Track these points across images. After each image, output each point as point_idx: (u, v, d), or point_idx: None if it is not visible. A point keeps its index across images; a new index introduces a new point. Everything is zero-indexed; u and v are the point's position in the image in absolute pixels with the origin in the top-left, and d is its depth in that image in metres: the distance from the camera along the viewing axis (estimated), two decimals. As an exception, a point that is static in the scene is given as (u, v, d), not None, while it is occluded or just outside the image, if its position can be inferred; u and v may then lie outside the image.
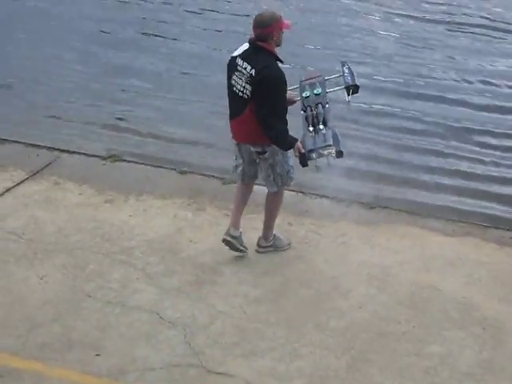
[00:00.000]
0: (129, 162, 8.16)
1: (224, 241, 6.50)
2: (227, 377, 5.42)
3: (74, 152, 8.29)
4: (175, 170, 7.96)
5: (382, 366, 5.50)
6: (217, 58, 10.33)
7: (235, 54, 6.16)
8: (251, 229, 6.78)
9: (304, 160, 6.00)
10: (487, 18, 13.01)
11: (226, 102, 6.40)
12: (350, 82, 6.34)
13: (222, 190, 7.47)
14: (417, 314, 5.98)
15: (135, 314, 5.94)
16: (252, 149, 6.26)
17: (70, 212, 7.19)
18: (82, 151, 8.33)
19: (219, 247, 6.67)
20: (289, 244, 6.71)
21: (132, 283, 6.26)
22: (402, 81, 10.70)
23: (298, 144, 6.02)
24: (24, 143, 8.47)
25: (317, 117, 6.14)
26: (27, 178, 7.71)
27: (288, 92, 6.30)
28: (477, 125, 9.53)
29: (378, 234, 6.94)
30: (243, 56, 6.08)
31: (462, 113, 9.82)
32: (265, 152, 6.21)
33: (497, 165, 8.70)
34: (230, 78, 6.18)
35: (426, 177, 8.42)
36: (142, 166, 8.07)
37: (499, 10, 13.37)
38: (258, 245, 6.66)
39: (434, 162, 8.70)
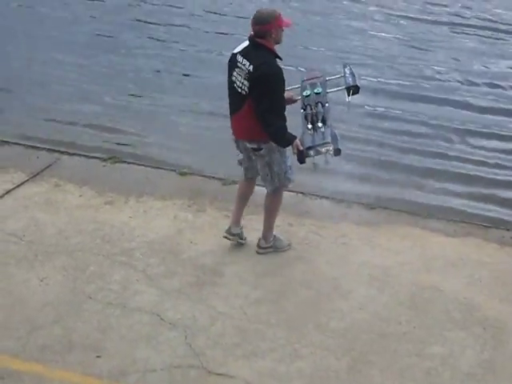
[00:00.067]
0: (129, 163, 8.17)
1: (224, 237, 6.64)
2: (228, 378, 5.40)
3: (74, 154, 8.30)
4: (175, 171, 7.96)
5: (383, 367, 5.49)
6: (217, 60, 10.34)
7: (236, 50, 6.20)
8: (251, 230, 6.78)
9: (302, 157, 6.01)
10: (490, 20, 13.07)
11: (226, 103, 6.40)
12: (351, 83, 6.34)
13: (223, 191, 7.47)
14: (418, 314, 5.98)
15: (136, 315, 5.93)
16: (248, 145, 6.27)
17: (70, 214, 7.19)
18: (82, 153, 8.34)
19: (220, 248, 6.69)
20: (289, 245, 6.71)
21: (132, 285, 6.25)
22: (405, 83, 10.75)
23: (297, 141, 6.03)
24: (24, 145, 8.49)
25: (316, 115, 6.16)
26: (27, 180, 7.71)
27: (288, 91, 6.34)
28: (480, 127, 9.53)
29: (378, 234, 6.94)
30: (243, 53, 6.11)
31: (466, 115, 9.83)
32: (260, 149, 6.22)
33: (501, 167, 8.70)
34: (230, 74, 6.21)
35: (429, 179, 8.43)
36: (142, 167, 8.07)
37: (500, 11, 13.42)
38: (258, 246, 6.65)
39: (439, 164, 8.70)
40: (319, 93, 6.33)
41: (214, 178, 7.81)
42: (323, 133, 6.03)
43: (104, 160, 8.16)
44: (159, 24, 12.67)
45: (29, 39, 12.03)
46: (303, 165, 6.12)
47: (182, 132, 9.35)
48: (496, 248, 6.79)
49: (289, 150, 6.20)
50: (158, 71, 11.03)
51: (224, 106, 6.51)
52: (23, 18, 12.99)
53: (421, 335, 5.77)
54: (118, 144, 8.97)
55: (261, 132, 6.07)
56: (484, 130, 9.46)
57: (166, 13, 13.10)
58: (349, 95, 6.31)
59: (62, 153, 8.29)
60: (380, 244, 6.80)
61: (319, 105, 6.23)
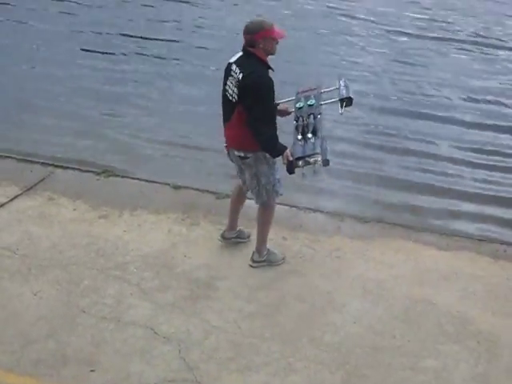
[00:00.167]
0: (123, 177, 8.16)
1: (218, 239, 6.84)
2: (222, 392, 5.41)
3: (67, 167, 8.30)
4: (169, 184, 7.96)
5: (377, 381, 5.49)
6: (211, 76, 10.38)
7: (231, 60, 6.26)
8: (245, 244, 6.82)
9: (291, 167, 6.03)
10: (478, 35, 13.12)
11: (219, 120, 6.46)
12: (345, 95, 6.38)
13: (216, 205, 7.47)
14: (411, 328, 5.99)
15: (130, 329, 5.92)
16: (236, 153, 6.32)
17: (64, 227, 7.18)
18: (76, 166, 8.34)
19: (214, 262, 6.70)
20: (283, 259, 6.71)
21: (126, 299, 6.25)
22: (401, 99, 10.79)
23: (287, 151, 6.04)
24: (17, 159, 8.48)
25: (307, 126, 6.19)
26: (21, 194, 7.71)
27: (283, 103, 6.47)
28: (475, 143, 9.58)
29: (372, 248, 6.95)
30: (237, 62, 6.19)
31: (458, 131, 9.87)
32: (247, 157, 6.26)
33: (488, 183, 8.74)
34: (224, 83, 6.27)
35: (421, 193, 8.47)
36: (136, 180, 8.07)
37: (488, 26, 13.52)
38: (252, 260, 6.66)
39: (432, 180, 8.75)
40: (312, 105, 6.37)
41: (207, 191, 7.81)
42: (313, 143, 6.06)
43: (98, 174, 8.15)
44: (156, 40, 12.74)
45: (18, 54, 12.07)
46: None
47: (177, 146, 9.39)
48: (489, 261, 6.80)
49: (278, 162, 6.23)
50: (156, 86, 11.03)
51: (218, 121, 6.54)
52: (11, 33, 13.04)
53: (414, 349, 5.77)
54: (112, 157, 8.95)
55: (249, 140, 6.13)
56: (474, 147, 9.49)
57: (160, 29, 13.15)
58: (342, 107, 6.34)
59: (56, 166, 8.28)
60: (374, 257, 6.82)
61: (311, 116, 6.26)
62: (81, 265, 6.64)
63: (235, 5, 14.48)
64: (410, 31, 13.41)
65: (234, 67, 6.17)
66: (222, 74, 6.36)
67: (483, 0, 15.01)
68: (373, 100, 10.55)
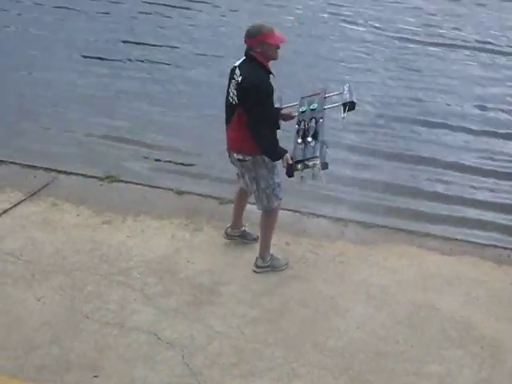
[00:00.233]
0: (126, 182, 8.16)
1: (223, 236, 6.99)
2: (225, 397, 5.41)
3: (71, 173, 8.29)
4: (172, 190, 7.96)
5: (381, 386, 5.50)
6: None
7: (236, 63, 6.31)
8: (249, 249, 6.81)
9: (290, 171, 6.09)
10: (484, 42, 13.13)
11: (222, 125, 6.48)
12: (347, 99, 6.40)
13: (219, 210, 7.47)
14: (415, 333, 5.98)
15: (133, 334, 5.93)
16: (235, 156, 6.35)
17: (67, 233, 7.18)
18: (80, 172, 8.34)
19: (217, 267, 6.70)
20: (286, 264, 6.71)
21: (130, 304, 6.25)
22: (400, 105, 10.79)
23: (287, 155, 6.10)
24: (21, 164, 8.46)
25: (308, 130, 6.21)
26: (25, 199, 7.71)
27: (287, 108, 6.55)
28: (480, 152, 9.59)
29: (375, 253, 6.94)
30: (240, 65, 6.24)
31: (461, 138, 9.86)
32: (245, 160, 6.29)
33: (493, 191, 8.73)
34: (228, 86, 6.33)
35: (426, 198, 8.47)
36: (140, 186, 8.06)
37: (494, 32, 13.53)
38: (256, 265, 6.66)
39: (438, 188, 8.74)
40: (314, 109, 6.41)
41: (210, 197, 7.81)
42: (313, 147, 6.09)
43: (101, 179, 8.15)
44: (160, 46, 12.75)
45: (22, 60, 12.12)
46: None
47: (181, 152, 9.41)
48: (493, 266, 6.79)
49: (279, 165, 6.26)
50: (160, 93, 11.04)
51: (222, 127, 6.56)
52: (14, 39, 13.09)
53: (418, 354, 5.77)
54: (116, 163, 8.97)
55: (248, 143, 6.18)
56: (481, 154, 9.48)
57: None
58: (344, 111, 6.36)
59: (59, 172, 8.27)
60: (377, 262, 6.81)
61: (313, 120, 6.30)
62: (84, 270, 6.64)
63: (233, 11, 14.52)
64: (414, 37, 13.42)
65: (236, 71, 6.23)
66: (224, 81, 6.40)
67: (488, 7, 15.02)
68: (377, 106, 10.57)
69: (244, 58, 6.25)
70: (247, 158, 6.27)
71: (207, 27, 13.71)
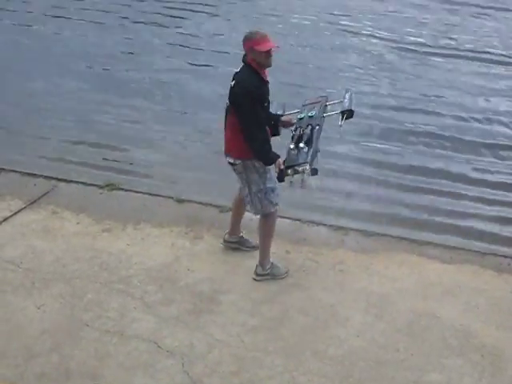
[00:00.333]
0: (126, 190, 8.17)
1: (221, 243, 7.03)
2: (226, 406, 5.41)
3: (71, 181, 8.32)
4: (172, 198, 7.97)
5: (381, 395, 5.50)
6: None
7: (236, 70, 6.36)
8: (249, 257, 6.81)
9: (281, 176, 6.14)
10: (482, 51, 13.18)
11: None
12: (346, 107, 6.42)
13: (220, 219, 7.47)
14: (415, 341, 5.98)
15: (133, 343, 5.92)
16: (227, 159, 6.40)
17: (67, 241, 7.19)
18: (80, 180, 8.35)
19: (217, 275, 6.70)
20: (286, 272, 6.71)
21: (130, 312, 6.25)
22: (394, 112, 10.80)
23: (280, 160, 6.15)
24: (21, 172, 8.50)
25: (302, 136, 6.25)
26: (25, 207, 7.73)
27: (288, 115, 6.61)
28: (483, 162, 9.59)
29: (376, 261, 6.95)
30: (237, 71, 6.33)
31: (462, 149, 9.89)
32: (235, 164, 6.35)
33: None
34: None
35: (426, 209, 8.48)
36: (140, 194, 8.08)
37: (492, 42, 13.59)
38: (256, 273, 6.66)
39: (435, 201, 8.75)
40: (312, 116, 6.47)
41: (211, 205, 7.82)
42: (306, 153, 6.12)
43: (101, 187, 8.17)
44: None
45: (26, 67, 12.16)
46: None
47: (178, 159, 9.42)
48: (493, 275, 6.79)
49: (273, 170, 6.28)
50: (158, 106, 11.08)
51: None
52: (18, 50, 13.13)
53: (418, 362, 5.76)
54: (116, 171, 8.98)
55: (237, 147, 6.26)
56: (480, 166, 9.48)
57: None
58: (342, 119, 6.39)
59: (59, 180, 8.30)
60: (377, 271, 6.81)
61: (309, 127, 6.33)
62: (84, 278, 6.65)
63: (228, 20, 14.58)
64: (413, 47, 13.46)
65: (234, 76, 6.31)
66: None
67: (485, 17, 15.09)
68: (377, 116, 10.58)
69: (242, 64, 6.31)
70: (237, 161, 6.33)
71: (203, 36, 13.76)
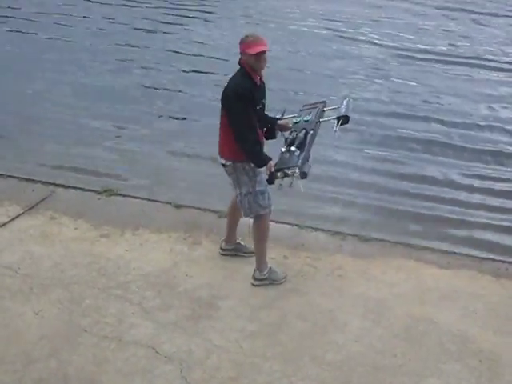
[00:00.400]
0: (124, 196, 8.18)
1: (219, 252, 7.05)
2: (224, 411, 5.41)
3: (69, 186, 8.32)
4: (170, 203, 7.98)
5: (379, 400, 5.50)
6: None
7: None
8: (247, 263, 6.81)
9: (271, 178, 6.17)
10: (480, 58, 13.22)
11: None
12: (342, 113, 6.44)
13: (218, 224, 7.48)
14: (413, 346, 5.98)
15: (131, 348, 5.92)
16: (219, 159, 6.44)
17: (65, 247, 7.19)
18: (78, 186, 8.35)
19: (215, 281, 6.70)
20: (284, 277, 6.72)
21: (128, 318, 6.25)
22: (393, 119, 10.81)
23: (271, 162, 6.18)
24: (19, 178, 8.51)
25: (294, 140, 6.27)
26: (23, 213, 7.73)
27: (285, 119, 6.64)
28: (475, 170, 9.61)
29: (373, 266, 6.96)
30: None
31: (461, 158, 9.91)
32: (225, 165, 6.40)
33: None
34: None
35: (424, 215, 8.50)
36: (138, 200, 8.09)
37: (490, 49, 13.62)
38: (254, 277, 6.67)
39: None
40: (308, 120, 6.49)
41: (209, 210, 7.83)
42: (297, 156, 6.14)
43: (99, 193, 8.18)
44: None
45: (21, 75, 12.20)
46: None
47: (178, 165, 9.44)
48: (490, 280, 6.81)
49: (263, 173, 6.29)
50: (156, 113, 11.11)
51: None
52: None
53: (416, 368, 5.77)
54: (114, 177, 9.00)
55: (227, 148, 6.31)
56: (480, 174, 9.50)
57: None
58: (337, 124, 6.40)
59: (57, 185, 8.31)
60: (375, 276, 6.82)
61: (303, 131, 6.35)
62: (82, 284, 6.64)
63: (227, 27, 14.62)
64: (411, 54, 13.51)
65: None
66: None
67: (483, 23, 15.15)
68: (376, 123, 10.60)
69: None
70: (228, 162, 6.37)
71: (201, 43, 13.80)
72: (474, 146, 10.11)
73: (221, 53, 13.00)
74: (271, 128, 6.56)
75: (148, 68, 12.79)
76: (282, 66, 12.37)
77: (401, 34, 14.52)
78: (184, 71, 12.60)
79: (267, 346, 5.97)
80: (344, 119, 6.41)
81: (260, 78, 6.31)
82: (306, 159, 6.18)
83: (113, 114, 10.95)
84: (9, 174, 8.60)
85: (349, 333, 6.12)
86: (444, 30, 14.68)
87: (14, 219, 7.62)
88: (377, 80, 12.33)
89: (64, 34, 14.39)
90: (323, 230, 7.53)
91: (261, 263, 6.66)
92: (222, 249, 7.04)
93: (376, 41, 14.19)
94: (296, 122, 6.53)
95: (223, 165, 6.42)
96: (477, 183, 9.21)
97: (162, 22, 15.18)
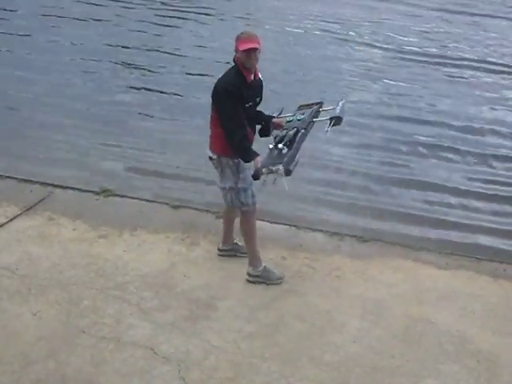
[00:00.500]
0: (122, 196, 8.18)
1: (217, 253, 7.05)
2: (222, 412, 5.40)
3: (67, 187, 8.31)
4: (168, 204, 7.98)
5: (377, 400, 5.50)
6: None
7: None
8: (245, 264, 6.79)
9: (256, 173, 6.16)
10: (481, 61, 13.22)
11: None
12: (335, 114, 6.44)
13: (216, 224, 7.47)
14: (411, 347, 5.98)
15: (129, 349, 5.91)
16: (207, 152, 6.49)
17: (64, 247, 7.18)
18: (76, 186, 8.35)
19: (213, 282, 6.70)
20: (281, 278, 6.71)
21: (126, 319, 6.24)
22: (392, 122, 10.81)
23: (258, 158, 6.19)
24: (17, 179, 8.49)
25: (284, 137, 6.27)
26: (21, 214, 7.72)
27: (280, 118, 6.63)
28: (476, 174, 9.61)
29: (371, 267, 6.96)
30: None
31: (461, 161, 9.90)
32: (212, 158, 6.45)
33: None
34: None
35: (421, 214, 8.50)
36: (136, 200, 8.09)
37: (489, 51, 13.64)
38: (248, 273, 6.68)
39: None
40: (300, 119, 6.51)
41: (207, 211, 7.84)
42: (284, 154, 6.14)
43: (97, 194, 8.18)
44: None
45: (25, 73, 12.20)
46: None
47: (175, 165, 9.43)
48: (489, 280, 6.82)
49: (248, 170, 6.31)
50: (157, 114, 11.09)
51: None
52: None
53: (414, 368, 5.77)
54: (112, 177, 8.99)
55: (217, 142, 6.36)
56: (482, 178, 9.51)
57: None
58: (329, 125, 6.40)
59: (55, 186, 8.29)
60: (373, 276, 6.83)
61: (294, 129, 6.36)
62: (80, 285, 6.64)
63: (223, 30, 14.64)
64: (410, 56, 13.52)
65: None
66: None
67: (481, 26, 15.17)
68: (374, 126, 10.60)
69: None
70: (214, 156, 6.42)
71: (196, 45, 13.81)
72: (476, 150, 10.13)
73: (218, 54, 12.99)
74: (266, 125, 6.59)
75: (145, 70, 12.77)
76: (280, 68, 12.37)
77: (399, 36, 14.55)
78: (182, 73, 12.58)
79: (265, 346, 5.96)
80: (336, 120, 6.42)
81: (255, 76, 6.32)
82: (293, 157, 6.16)
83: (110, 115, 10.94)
84: (7, 174, 8.58)
85: (347, 333, 6.12)
86: (442, 33, 14.71)
87: (12, 220, 7.61)
88: (377, 82, 12.35)
89: (58, 36, 14.36)
90: (321, 231, 7.54)
91: (253, 259, 6.68)
92: (219, 249, 7.05)
93: (374, 43, 14.20)
94: (289, 121, 6.55)
95: (210, 158, 6.48)
96: (476, 187, 9.21)
97: (156, 24, 15.19)
